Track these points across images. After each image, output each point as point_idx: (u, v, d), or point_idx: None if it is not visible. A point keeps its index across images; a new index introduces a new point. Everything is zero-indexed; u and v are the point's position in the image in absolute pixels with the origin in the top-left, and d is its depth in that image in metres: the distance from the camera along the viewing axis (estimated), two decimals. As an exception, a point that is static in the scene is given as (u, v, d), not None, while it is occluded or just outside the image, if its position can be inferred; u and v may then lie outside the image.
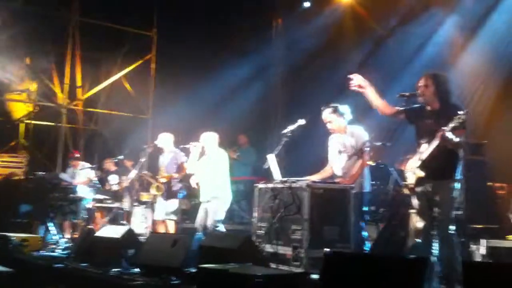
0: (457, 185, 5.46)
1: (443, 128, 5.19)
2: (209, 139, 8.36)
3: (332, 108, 6.90)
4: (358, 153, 6.69)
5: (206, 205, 8.19)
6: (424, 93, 5.57)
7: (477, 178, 7.67)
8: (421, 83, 5.59)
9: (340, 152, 6.90)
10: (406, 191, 5.78)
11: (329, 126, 6.93)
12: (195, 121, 11.42)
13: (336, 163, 6.95)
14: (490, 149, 8.04)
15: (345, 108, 6.92)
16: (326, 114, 6.90)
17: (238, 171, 10.65)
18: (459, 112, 5.13)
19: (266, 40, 13.27)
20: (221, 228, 8.07)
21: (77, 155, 11.68)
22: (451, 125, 5.15)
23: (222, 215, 8.14)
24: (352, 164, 6.74)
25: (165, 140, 9.44)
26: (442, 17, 9.89)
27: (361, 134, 6.79)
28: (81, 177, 11.15)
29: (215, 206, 8.10)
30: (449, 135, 5.19)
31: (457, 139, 5.30)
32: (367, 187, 6.74)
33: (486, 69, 9.06)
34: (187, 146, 8.39)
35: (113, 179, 11.54)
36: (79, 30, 13.44)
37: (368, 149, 6.58)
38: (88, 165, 11.42)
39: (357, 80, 5.86)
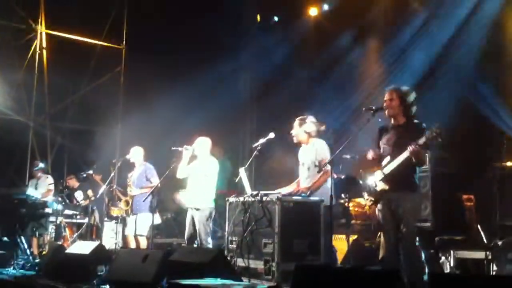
0: (421, 196, 5.57)
1: (416, 142, 5.28)
2: (203, 144, 8.23)
3: (298, 118, 7.06)
4: (318, 165, 6.76)
5: (193, 213, 8.00)
6: (389, 107, 5.67)
7: (445, 190, 7.79)
8: (386, 97, 5.70)
9: (302, 164, 7.01)
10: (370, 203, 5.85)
11: (293, 135, 7.07)
12: (164, 134, 11.37)
13: (300, 175, 7.05)
14: (457, 161, 8.17)
15: (309, 120, 7.02)
16: (293, 124, 7.07)
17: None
18: (433, 128, 5.22)
19: (237, 53, 13.31)
20: (210, 243, 7.91)
21: (41, 165, 11.50)
22: (423, 140, 5.25)
23: (210, 227, 7.99)
24: (313, 175, 6.82)
25: (136, 153, 9.38)
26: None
27: (321, 147, 6.87)
28: (43, 188, 11.01)
29: (204, 216, 7.88)
30: (419, 149, 5.29)
31: (426, 155, 5.43)
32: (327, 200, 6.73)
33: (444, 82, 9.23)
34: (179, 148, 8.28)
35: (79, 195, 11.43)
36: (47, 43, 13.31)
37: (327, 162, 6.49)
38: (50, 177, 11.26)
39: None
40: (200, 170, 8.11)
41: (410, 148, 5.30)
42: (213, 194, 8.09)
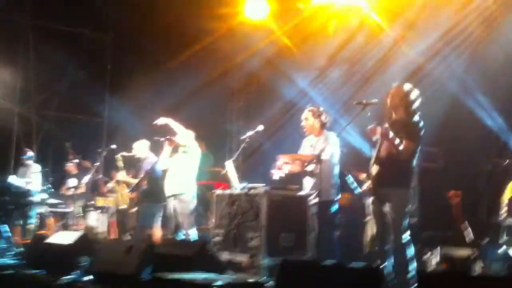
0: (409, 193, 5.55)
1: (385, 125, 5.31)
2: (185, 136, 8.10)
3: (313, 107, 6.97)
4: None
5: (174, 204, 7.92)
6: (392, 103, 5.63)
7: (432, 185, 7.78)
8: (389, 92, 5.65)
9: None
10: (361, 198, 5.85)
11: (303, 123, 6.95)
12: (150, 125, 11.29)
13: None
14: (444, 158, 8.16)
15: (324, 112, 6.95)
16: (306, 112, 6.96)
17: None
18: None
19: (224, 45, 13.18)
20: (195, 234, 7.84)
21: (30, 153, 11.33)
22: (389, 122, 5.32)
23: (193, 218, 7.93)
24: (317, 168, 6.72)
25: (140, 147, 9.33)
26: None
27: (335, 141, 6.78)
28: (29, 177, 10.87)
29: (185, 206, 7.81)
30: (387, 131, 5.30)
31: (398, 142, 5.39)
32: (335, 195, 6.71)
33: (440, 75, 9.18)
34: (161, 139, 8.21)
35: (72, 182, 11.27)
36: (32, 33, 13.16)
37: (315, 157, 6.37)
38: (38, 166, 11.10)
39: None
40: (182, 159, 8.04)
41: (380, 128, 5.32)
42: (194, 183, 8.04)
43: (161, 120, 7.92)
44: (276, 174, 6.72)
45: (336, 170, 6.79)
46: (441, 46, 9.14)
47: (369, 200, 5.73)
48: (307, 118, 6.92)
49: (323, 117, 6.88)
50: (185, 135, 8.01)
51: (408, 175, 5.63)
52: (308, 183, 6.80)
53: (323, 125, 6.90)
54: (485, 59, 8.59)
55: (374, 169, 5.56)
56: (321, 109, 6.96)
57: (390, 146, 5.41)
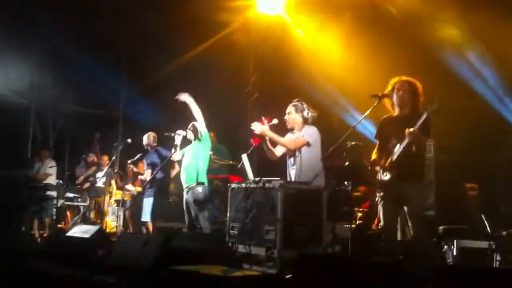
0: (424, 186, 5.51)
1: (411, 129, 5.23)
2: (194, 129, 8.15)
3: (298, 102, 7.01)
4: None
5: (187, 198, 7.93)
6: (402, 97, 5.57)
7: (448, 178, 7.72)
8: (399, 86, 5.59)
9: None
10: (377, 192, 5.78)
11: (286, 117, 7.03)
12: (166, 118, 11.30)
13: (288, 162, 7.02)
14: (461, 151, 8.08)
15: (306, 106, 6.99)
16: (289, 107, 7.03)
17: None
18: (423, 116, 5.21)
19: (240, 38, 13.09)
20: (209, 228, 7.85)
21: (46, 150, 11.45)
22: (421, 120, 5.23)
23: (207, 211, 7.95)
24: (299, 162, 6.76)
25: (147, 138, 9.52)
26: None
27: (310, 133, 6.82)
28: (44, 171, 10.96)
29: (198, 199, 7.84)
30: (418, 133, 5.24)
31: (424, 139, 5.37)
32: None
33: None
34: (172, 134, 8.28)
35: (100, 175, 11.32)
36: (47, 27, 13.17)
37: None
38: (53, 162, 11.19)
39: None
40: (195, 149, 8.07)
41: (407, 131, 5.24)
42: (205, 175, 8.04)
43: (184, 97, 7.98)
44: (257, 127, 6.81)
45: (316, 158, 6.74)
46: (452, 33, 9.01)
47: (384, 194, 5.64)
48: (290, 113, 7.00)
49: (305, 113, 6.95)
50: (203, 122, 8.07)
51: (422, 168, 5.61)
52: (292, 172, 6.89)
53: (305, 120, 6.96)
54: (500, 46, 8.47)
55: (391, 163, 5.49)
56: (305, 105, 7.00)
57: (414, 145, 5.34)
